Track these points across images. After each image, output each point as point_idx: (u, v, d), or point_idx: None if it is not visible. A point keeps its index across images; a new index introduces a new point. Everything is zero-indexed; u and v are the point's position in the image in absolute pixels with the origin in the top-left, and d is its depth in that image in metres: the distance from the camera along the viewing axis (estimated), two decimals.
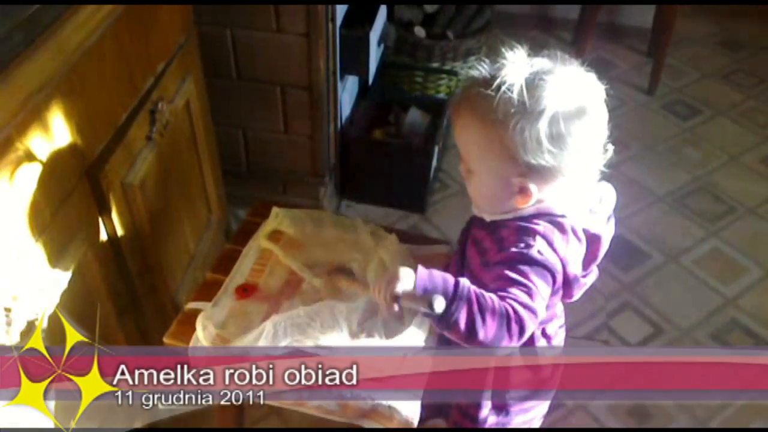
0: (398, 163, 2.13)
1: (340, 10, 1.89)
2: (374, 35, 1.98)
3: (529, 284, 0.92)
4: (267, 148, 2.06)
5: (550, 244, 0.94)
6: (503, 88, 0.88)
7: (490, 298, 0.89)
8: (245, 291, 1.20)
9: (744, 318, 1.90)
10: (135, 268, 1.36)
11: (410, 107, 2.30)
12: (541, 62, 0.91)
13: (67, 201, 1.12)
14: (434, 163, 2.15)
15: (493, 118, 0.88)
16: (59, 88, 1.06)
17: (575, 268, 0.97)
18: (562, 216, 0.97)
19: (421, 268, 0.92)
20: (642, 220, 2.18)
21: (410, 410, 1.07)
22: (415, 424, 1.08)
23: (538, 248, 0.93)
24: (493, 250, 0.99)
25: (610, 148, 0.96)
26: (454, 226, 1.36)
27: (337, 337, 1.11)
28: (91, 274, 1.23)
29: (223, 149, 1.82)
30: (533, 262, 0.93)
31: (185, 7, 1.49)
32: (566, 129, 0.88)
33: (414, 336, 1.13)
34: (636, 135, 2.51)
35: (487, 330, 0.88)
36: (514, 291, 0.91)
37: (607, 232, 1.02)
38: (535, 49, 0.94)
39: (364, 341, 1.12)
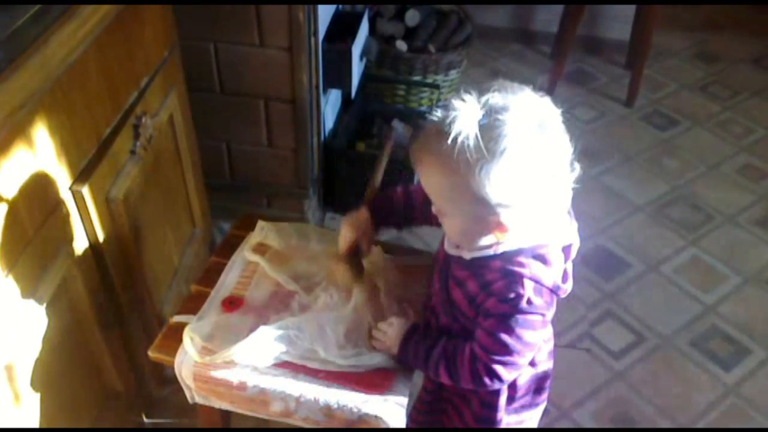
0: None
1: (323, 24, 1.91)
2: (356, 49, 2.00)
3: (515, 344, 0.98)
4: (251, 161, 2.06)
5: (538, 282, 0.95)
6: (459, 139, 0.86)
7: (462, 366, 1.03)
8: (231, 304, 1.20)
9: (724, 325, 1.93)
10: (119, 282, 1.35)
11: (393, 119, 2.32)
12: (493, 99, 0.89)
13: (51, 216, 1.12)
14: (417, 175, 2.16)
15: (457, 167, 0.87)
16: (43, 103, 1.06)
17: (558, 283, 0.99)
18: (543, 245, 0.97)
19: (408, 344, 1.08)
20: (622, 229, 2.21)
21: (396, 419, 1.08)
22: None
23: (528, 296, 0.95)
24: (481, 296, 0.98)
25: (577, 165, 0.94)
26: (437, 237, 1.37)
27: (325, 349, 1.11)
28: (75, 289, 1.23)
29: (206, 163, 1.83)
30: (522, 316, 0.96)
31: (168, 22, 1.50)
32: (531, 162, 0.88)
33: None
34: (615, 146, 2.55)
35: (464, 385, 1.06)
36: (498, 351, 0.99)
37: (577, 240, 1.04)
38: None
39: (350, 352, 1.13)
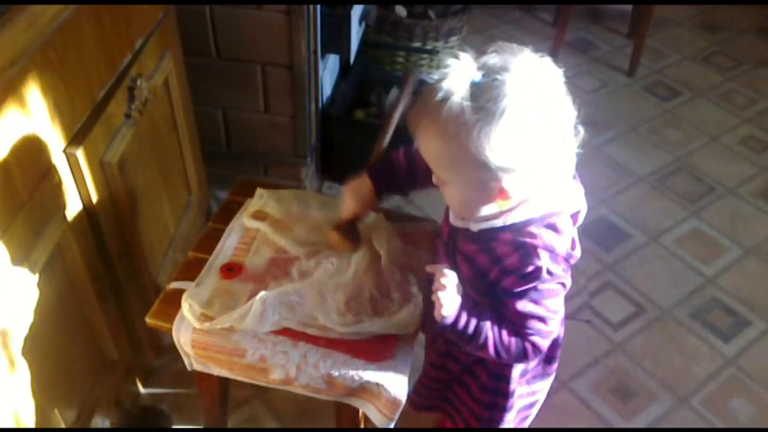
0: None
1: None
2: (355, 13, 1.95)
3: (544, 313, 0.96)
4: (247, 129, 2.03)
5: (553, 252, 0.92)
6: (450, 99, 0.83)
7: (509, 341, 0.98)
8: (230, 270, 1.18)
9: (724, 297, 1.92)
10: (115, 249, 1.33)
11: (392, 87, 2.28)
12: (491, 59, 0.85)
13: (44, 179, 1.09)
14: (416, 143, 2.13)
15: (455, 130, 0.84)
16: (35, 62, 1.03)
17: (570, 251, 0.96)
18: (553, 214, 0.94)
19: (461, 311, 0.97)
20: (623, 200, 2.19)
21: (398, 388, 1.06)
22: (403, 402, 1.07)
23: (546, 267, 0.91)
24: (494, 271, 0.95)
25: (581, 129, 0.90)
26: (436, 206, 1.35)
27: (325, 316, 1.10)
28: (70, 257, 1.20)
29: (202, 130, 1.79)
30: (544, 286, 0.93)
31: None
32: (532, 122, 0.84)
33: (404, 318, 1.11)
34: (617, 116, 2.52)
35: (503, 360, 1.01)
36: (532, 325, 0.96)
37: (584, 206, 1.02)
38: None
39: (351, 319, 1.11)
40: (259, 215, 1.28)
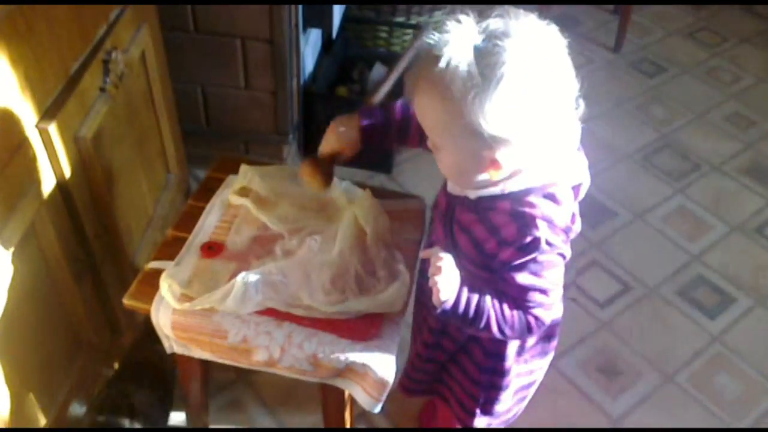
0: None
1: None
2: None
3: (545, 285, 0.94)
4: (227, 106, 1.98)
5: (551, 223, 0.89)
6: (452, 62, 0.80)
7: (511, 315, 0.95)
8: (210, 249, 1.15)
9: (710, 274, 1.92)
10: (91, 229, 1.29)
11: (375, 64, 2.23)
12: (494, 24, 0.82)
13: (16, 155, 1.05)
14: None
15: (450, 94, 0.81)
16: (2, 32, 0.97)
17: (569, 224, 0.94)
18: (553, 184, 0.91)
19: (461, 292, 0.94)
20: (609, 177, 2.17)
21: (385, 369, 1.04)
22: (390, 382, 1.05)
23: (545, 238, 0.88)
24: (491, 242, 0.92)
25: (582, 102, 0.88)
26: (420, 185, 1.32)
27: (310, 295, 1.07)
28: (45, 236, 1.16)
29: (181, 107, 1.74)
30: (543, 257, 0.90)
31: None
32: (530, 93, 0.81)
33: (391, 296, 1.09)
34: (603, 93, 2.50)
35: (508, 338, 1.00)
36: (533, 298, 0.94)
37: (587, 179, 0.99)
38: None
39: (336, 298, 1.08)
40: (242, 192, 1.24)
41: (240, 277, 1.04)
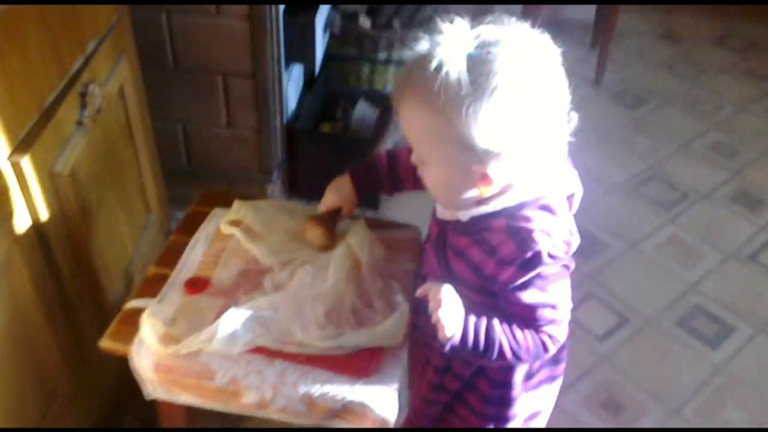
0: (350, 158, 2.02)
1: None
2: (320, 20, 1.88)
3: (553, 300, 0.89)
4: (209, 144, 1.92)
5: (550, 235, 0.85)
6: (444, 69, 0.76)
7: (524, 337, 0.89)
8: (195, 285, 1.08)
9: (708, 303, 1.87)
10: (66, 268, 1.21)
11: (358, 101, 2.20)
12: (487, 31, 0.79)
13: None
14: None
15: (441, 104, 0.77)
16: None
17: (568, 237, 0.89)
18: (546, 196, 0.87)
19: (467, 323, 0.88)
20: (599, 209, 2.14)
21: (386, 407, 0.97)
22: (392, 422, 0.98)
23: (546, 251, 0.84)
24: (490, 263, 0.87)
25: (574, 116, 0.85)
26: (408, 220, 1.27)
27: (303, 330, 1.00)
28: (17, 275, 1.08)
29: (162, 146, 1.67)
30: (548, 271, 0.85)
31: None
32: (523, 104, 0.78)
33: (390, 328, 1.02)
34: (586, 125, 2.45)
35: (523, 362, 0.94)
36: (543, 315, 0.89)
37: (579, 189, 0.95)
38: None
39: (331, 333, 1.01)
40: (233, 224, 1.17)
41: (227, 315, 0.97)
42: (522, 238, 0.84)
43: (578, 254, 0.92)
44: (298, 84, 2.10)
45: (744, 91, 2.73)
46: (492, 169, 0.82)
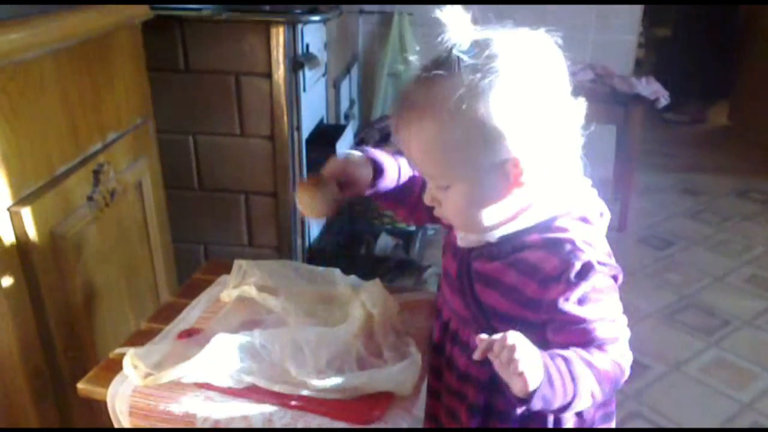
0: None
1: (305, 129, 1.85)
2: (341, 148, 1.95)
3: (612, 314, 0.80)
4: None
5: (592, 245, 0.78)
6: (455, 51, 0.73)
7: (601, 361, 0.77)
8: (189, 335, 1.00)
9: (765, 421, 1.68)
10: (61, 342, 1.15)
11: (381, 234, 2.21)
12: (486, 29, 0.77)
13: None
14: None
15: (456, 103, 0.73)
16: None
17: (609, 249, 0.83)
18: (578, 208, 0.82)
19: (547, 366, 0.73)
20: (634, 334, 1.99)
21: None
22: None
23: (595, 259, 0.77)
24: (531, 285, 0.79)
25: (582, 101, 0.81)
26: None
27: (299, 367, 0.90)
28: (6, 346, 1.04)
29: (182, 267, 1.64)
30: (601, 282, 0.78)
31: (143, 87, 1.45)
32: (531, 79, 0.75)
33: (399, 373, 0.92)
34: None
35: (606, 395, 0.79)
36: (605, 332, 0.79)
37: (606, 210, 0.89)
38: None
39: (330, 380, 0.91)
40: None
41: (216, 339, 0.89)
42: (564, 249, 0.77)
43: None
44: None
45: None
46: (522, 155, 0.76)
